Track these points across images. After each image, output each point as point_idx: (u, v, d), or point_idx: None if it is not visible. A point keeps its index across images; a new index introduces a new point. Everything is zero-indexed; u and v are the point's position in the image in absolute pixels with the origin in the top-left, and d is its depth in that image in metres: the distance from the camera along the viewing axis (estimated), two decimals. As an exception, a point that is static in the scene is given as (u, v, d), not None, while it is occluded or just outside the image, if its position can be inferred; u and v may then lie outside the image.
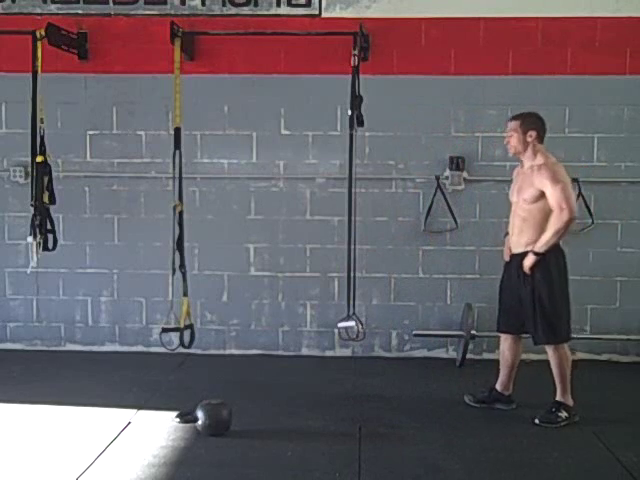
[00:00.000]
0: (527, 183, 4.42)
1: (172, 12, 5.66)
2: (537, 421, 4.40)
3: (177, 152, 5.18)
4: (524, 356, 5.81)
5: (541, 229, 4.33)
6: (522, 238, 4.44)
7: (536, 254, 4.31)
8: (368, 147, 5.72)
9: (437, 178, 5.72)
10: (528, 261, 4.34)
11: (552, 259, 4.36)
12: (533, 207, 4.36)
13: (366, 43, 5.51)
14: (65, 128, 5.77)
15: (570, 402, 4.46)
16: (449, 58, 5.68)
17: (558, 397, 4.47)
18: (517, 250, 4.48)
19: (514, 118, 4.50)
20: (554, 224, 4.26)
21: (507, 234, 4.65)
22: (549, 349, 4.48)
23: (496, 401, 4.69)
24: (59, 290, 5.97)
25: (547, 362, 5.76)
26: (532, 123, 4.43)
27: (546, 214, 4.32)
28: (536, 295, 4.38)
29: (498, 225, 5.73)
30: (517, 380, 4.86)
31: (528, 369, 5.66)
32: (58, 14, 5.67)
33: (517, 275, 4.46)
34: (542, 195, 4.31)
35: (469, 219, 5.77)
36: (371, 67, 5.50)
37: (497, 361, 5.91)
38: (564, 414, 4.41)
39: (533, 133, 4.40)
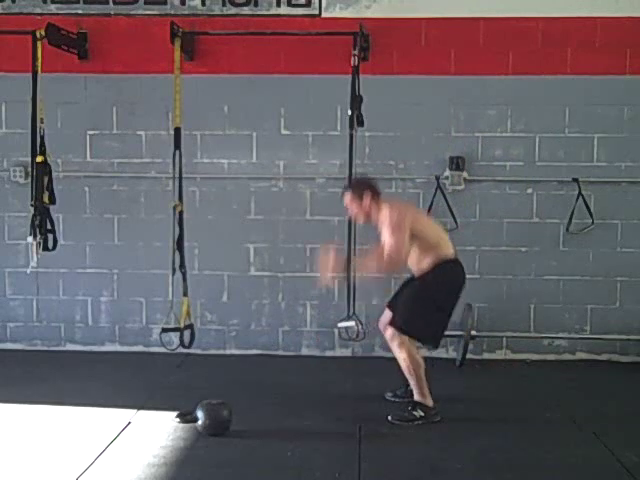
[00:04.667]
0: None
1: (172, 12, 5.66)
2: (390, 418, 4.42)
3: (177, 152, 5.19)
4: (524, 356, 5.86)
5: (423, 252, 4.45)
6: (417, 267, 4.55)
7: None
8: (368, 147, 5.72)
9: (437, 178, 5.71)
10: None
11: (436, 272, 4.45)
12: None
13: (366, 43, 5.50)
14: (65, 128, 5.77)
15: (429, 403, 4.45)
16: (449, 58, 5.67)
17: (415, 397, 4.47)
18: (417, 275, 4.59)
19: (345, 192, 4.64)
20: (378, 262, 4.40)
21: None
22: (393, 345, 4.47)
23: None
24: (59, 290, 5.97)
25: (547, 362, 5.82)
26: (362, 187, 4.56)
27: (420, 243, 4.43)
28: (410, 290, 4.56)
29: (498, 225, 5.77)
30: (518, 380, 4.86)
31: (528, 369, 5.69)
32: (58, 14, 5.67)
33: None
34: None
35: (469, 219, 5.76)
36: (371, 67, 5.50)
37: (498, 361, 5.94)
38: (419, 413, 4.41)
39: (367, 195, 4.49)
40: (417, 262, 4.50)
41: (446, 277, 4.50)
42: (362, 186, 4.57)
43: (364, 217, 4.58)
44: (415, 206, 4.94)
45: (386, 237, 4.36)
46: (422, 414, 4.40)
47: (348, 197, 4.58)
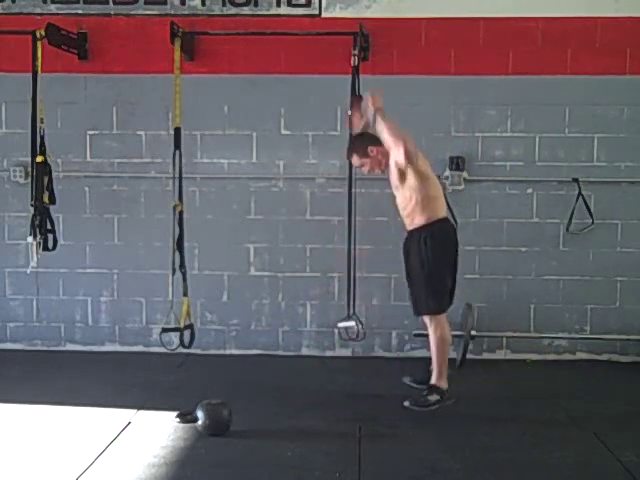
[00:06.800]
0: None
1: (172, 12, 5.66)
2: (406, 404, 4.46)
3: (177, 152, 5.19)
4: (524, 356, 5.86)
5: (421, 207, 4.48)
6: (410, 220, 4.58)
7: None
8: (368, 147, 5.71)
9: (437, 178, 5.70)
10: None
11: (428, 234, 4.48)
12: (404, 191, 4.50)
13: (366, 43, 5.51)
14: (65, 128, 5.76)
15: (444, 386, 4.48)
16: (449, 58, 5.67)
17: (432, 380, 4.50)
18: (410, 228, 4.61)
19: (349, 157, 4.73)
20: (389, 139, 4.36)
21: None
22: (430, 328, 4.52)
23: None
24: (59, 290, 5.97)
25: (547, 362, 5.82)
26: (363, 144, 4.58)
27: (421, 189, 4.48)
28: (412, 266, 4.56)
29: (498, 225, 5.77)
30: (518, 380, 4.85)
31: (528, 369, 5.69)
32: (58, 14, 5.67)
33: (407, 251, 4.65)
34: (402, 173, 4.46)
35: (469, 219, 5.76)
36: (371, 67, 5.50)
37: (498, 361, 5.93)
38: (435, 397, 4.44)
39: (372, 148, 4.54)
40: (411, 215, 4.54)
41: (440, 237, 4.51)
42: (363, 142, 4.59)
43: (381, 166, 4.60)
44: None
45: (389, 140, 4.37)
46: (438, 397, 4.43)
47: (356, 160, 4.65)
